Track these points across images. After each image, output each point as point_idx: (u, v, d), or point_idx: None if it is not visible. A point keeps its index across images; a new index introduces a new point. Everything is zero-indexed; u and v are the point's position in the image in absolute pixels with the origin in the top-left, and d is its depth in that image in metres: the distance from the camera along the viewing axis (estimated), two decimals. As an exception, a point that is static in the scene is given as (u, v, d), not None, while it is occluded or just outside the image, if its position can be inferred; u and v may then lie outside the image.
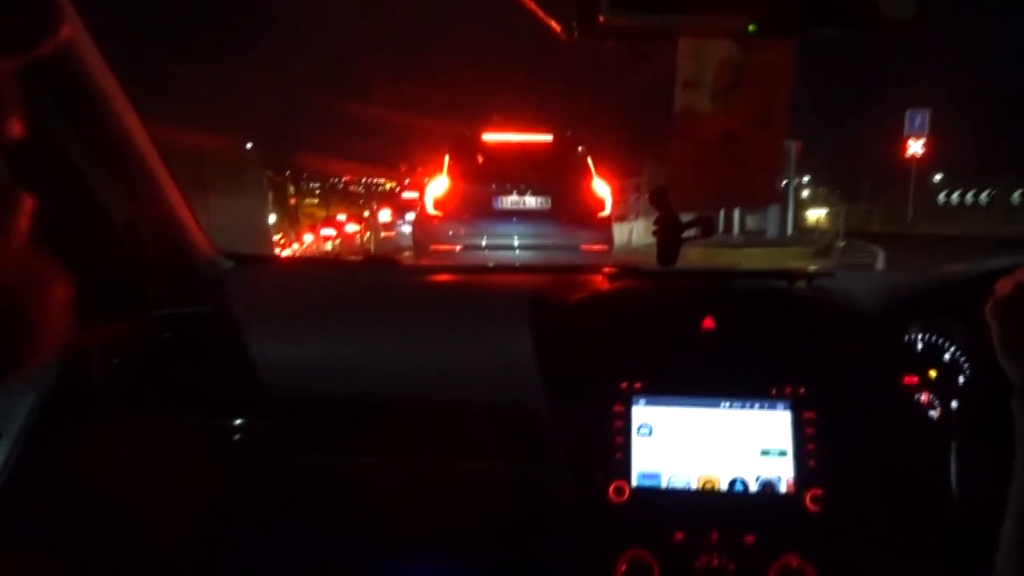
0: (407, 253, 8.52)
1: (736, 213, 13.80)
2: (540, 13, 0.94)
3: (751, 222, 15.11)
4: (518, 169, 7.29)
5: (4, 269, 0.25)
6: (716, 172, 0.96)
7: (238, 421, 1.25)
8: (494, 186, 7.15)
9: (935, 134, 19.22)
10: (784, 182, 14.84)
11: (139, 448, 1.20)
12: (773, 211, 15.39)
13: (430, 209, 7.11)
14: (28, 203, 0.26)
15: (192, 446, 1.27)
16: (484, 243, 6.84)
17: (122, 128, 1.15)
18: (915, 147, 19.65)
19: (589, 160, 7.46)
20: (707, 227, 1.32)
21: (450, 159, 7.35)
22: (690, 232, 1.33)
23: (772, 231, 15.38)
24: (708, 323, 1.20)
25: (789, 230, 16.12)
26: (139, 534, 1.18)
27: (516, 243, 6.92)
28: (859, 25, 0.82)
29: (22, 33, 0.24)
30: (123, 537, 1.16)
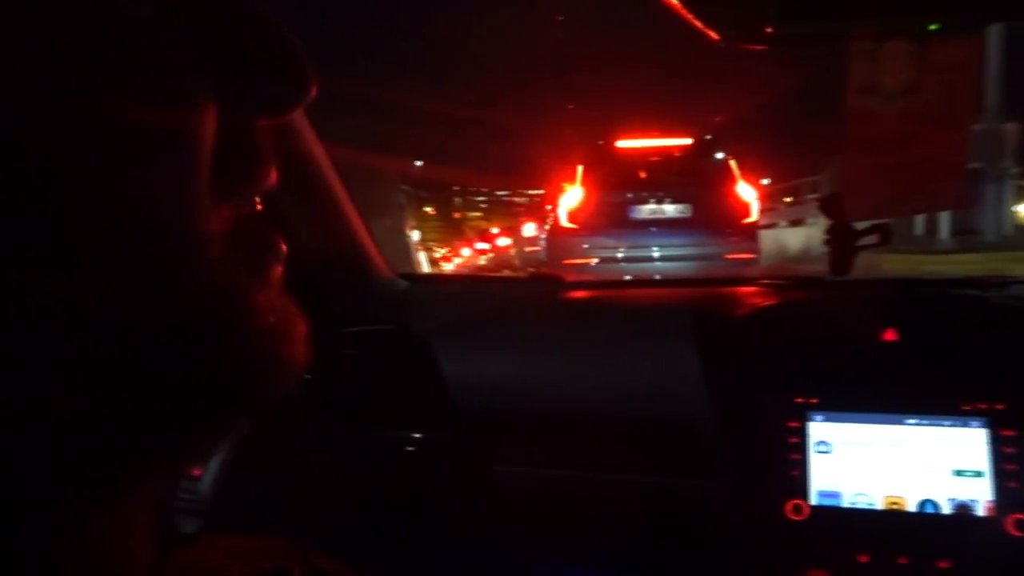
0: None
1: (944, 212, 12.04)
2: (698, 23, 0.94)
3: (959, 221, 12.40)
4: (655, 176, 7.02)
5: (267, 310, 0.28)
6: (894, 178, 0.92)
7: (416, 434, 1.32)
8: (630, 195, 6.89)
9: None
10: (998, 174, 12.82)
11: (328, 456, 1.29)
12: (990, 206, 12.64)
13: (564, 221, 6.91)
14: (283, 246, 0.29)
15: (372, 455, 1.36)
16: (621, 255, 6.59)
17: (309, 154, 1.24)
18: None
19: (732, 163, 7.05)
20: (885, 234, 1.25)
21: (584, 169, 7.11)
22: (867, 240, 1.28)
23: (990, 232, 12.70)
24: (889, 335, 1.14)
25: (1006, 228, 13.08)
26: (323, 536, 1.28)
27: (655, 254, 6.63)
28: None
29: (283, 98, 0.27)
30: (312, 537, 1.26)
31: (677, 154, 7.28)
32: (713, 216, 6.64)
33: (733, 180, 6.90)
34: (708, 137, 7.49)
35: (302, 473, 1.25)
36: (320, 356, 1.17)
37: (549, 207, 7.57)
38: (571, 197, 6.97)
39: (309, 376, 1.26)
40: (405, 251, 8.87)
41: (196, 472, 1.15)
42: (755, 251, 6.74)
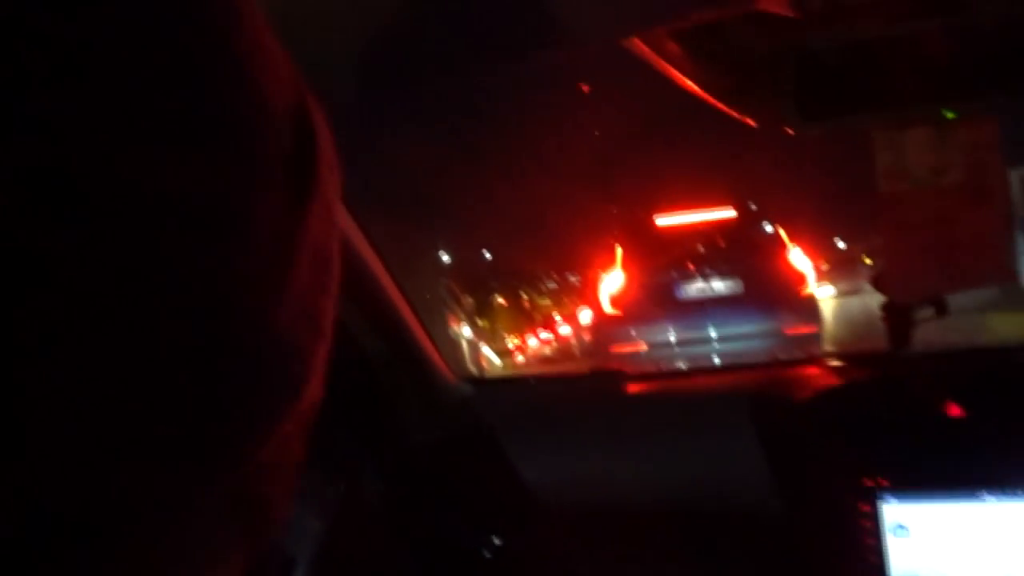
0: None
1: None
2: (735, 114, 1.00)
3: None
4: (700, 252, 6.56)
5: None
6: (933, 257, 0.95)
7: (494, 538, 1.34)
8: (675, 274, 6.43)
9: None
10: None
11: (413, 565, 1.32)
12: None
13: (606, 307, 6.47)
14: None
15: (451, 561, 1.38)
16: (673, 339, 6.16)
17: (360, 256, 1.25)
18: None
19: (781, 231, 6.65)
20: (940, 307, 1.26)
21: (623, 249, 6.67)
22: (923, 314, 1.28)
23: None
24: (954, 410, 1.13)
25: None
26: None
27: (709, 335, 6.13)
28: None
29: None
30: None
31: (721, 227, 6.87)
32: (766, 289, 6.19)
33: (784, 249, 6.46)
34: (753, 207, 7.08)
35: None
36: (395, 468, 1.22)
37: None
38: (612, 281, 6.56)
39: (382, 486, 1.30)
40: (456, 350, 8.51)
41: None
42: (816, 324, 6.26)
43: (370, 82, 0.98)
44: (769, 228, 6.71)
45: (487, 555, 1.34)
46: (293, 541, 1.22)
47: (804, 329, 5.99)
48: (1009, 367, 1.25)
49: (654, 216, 7.04)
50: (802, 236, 7.05)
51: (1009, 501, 1.06)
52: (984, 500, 1.07)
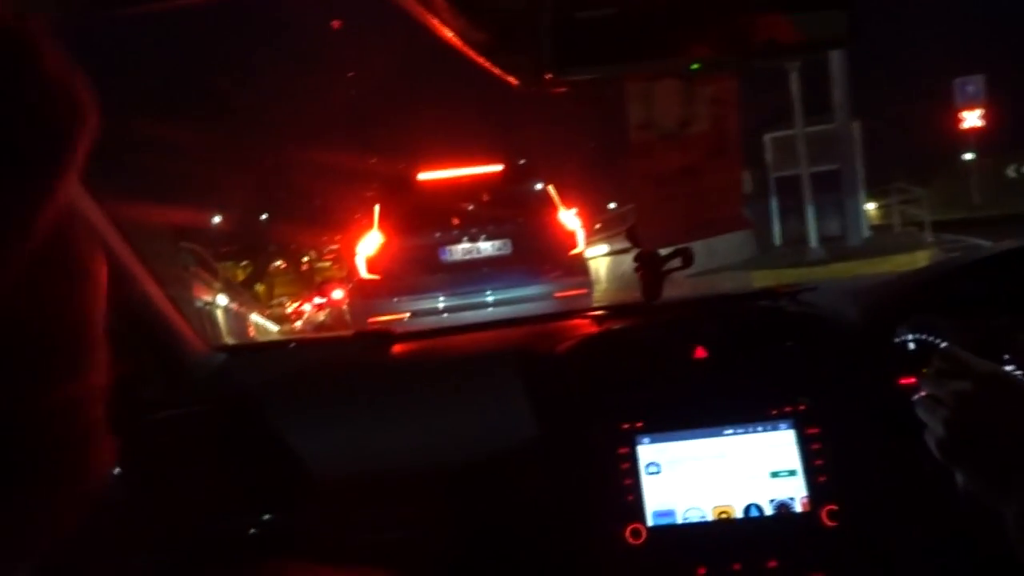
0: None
1: (810, 219, 11.14)
2: (495, 70, 0.97)
3: (822, 227, 11.70)
4: (466, 210, 6.05)
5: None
6: (680, 205, 0.99)
7: (263, 513, 1.24)
8: (438, 234, 5.93)
9: (992, 102, 16.78)
10: (852, 175, 12.18)
11: (150, 555, 1.19)
12: (851, 212, 12.28)
13: (363, 272, 5.86)
14: None
15: (205, 545, 1.26)
16: (440, 306, 5.64)
17: (90, 223, 1.15)
18: (972, 119, 17.00)
19: (552, 190, 6.26)
20: (686, 257, 1.34)
21: (381, 209, 6.05)
22: (671, 264, 1.35)
23: (854, 236, 12.20)
24: (700, 352, 1.21)
25: (864, 231, 12.79)
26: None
27: (477, 300, 5.71)
28: (796, 52, 0.85)
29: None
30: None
31: (488, 183, 6.35)
32: (536, 250, 5.87)
33: (554, 208, 6.12)
34: (522, 162, 6.61)
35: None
36: (127, 447, 1.07)
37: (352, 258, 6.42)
38: (370, 243, 5.93)
39: (116, 470, 1.15)
40: (208, 320, 7.79)
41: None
42: (586, 285, 6.09)
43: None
44: (539, 186, 6.34)
45: (253, 532, 1.24)
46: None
47: (575, 291, 5.77)
48: (741, 313, 1.35)
49: (416, 172, 6.48)
50: (574, 197, 6.71)
51: (744, 433, 1.15)
52: (723, 434, 1.16)
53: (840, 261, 10.11)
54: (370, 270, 5.82)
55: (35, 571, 0.36)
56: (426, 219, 5.95)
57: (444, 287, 5.72)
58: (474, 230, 5.92)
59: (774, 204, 13.65)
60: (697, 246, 1.31)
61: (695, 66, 0.89)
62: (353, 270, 6.14)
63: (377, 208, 6.04)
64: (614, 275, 9.95)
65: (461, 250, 5.92)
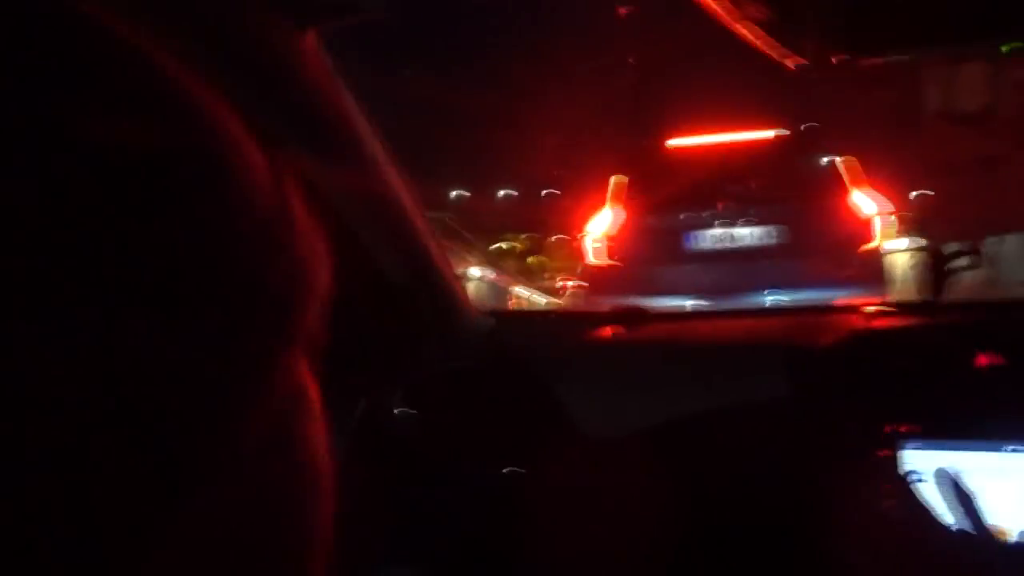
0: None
1: None
2: (774, 54, 0.96)
3: None
4: (721, 186, 4.83)
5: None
6: (978, 199, 0.91)
7: (506, 469, 1.35)
8: (683, 216, 4.74)
9: None
10: None
11: (426, 492, 1.33)
12: None
13: (591, 258, 4.93)
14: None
15: (463, 487, 1.39)
16: (688, 307, 4.17)
17: (390, 185, 1.24)
18: None
19: (841, 163, 4.73)
20: (975, 256, 1.22)
21: (617, 182, 4.99)
22: (957, 263, 1.25)
23: None
24: (983, 360, 1.11)
25: None
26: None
27: (732, 306, 3.89)
28: None
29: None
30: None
31: (757, 153, 4.98)
32: (814, 243, 4.43)
33: (844, 190, 4.62)
34: (805, 126, 5.14)
35: (401, 508, 1.29)
36: (412, 394, 1.23)
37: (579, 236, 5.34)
38: (600, 222, 4.94)
39: (410, 411, 1.31)
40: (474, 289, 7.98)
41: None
42: (879, 291, 4.24)
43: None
44: (826, 160, 4.88)
45: (509, 485, 1.35)
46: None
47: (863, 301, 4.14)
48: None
49: (665, 137, 5.27)
50: (876, 173, 4.87)
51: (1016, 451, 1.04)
52: (1003, 450, 1.06)
53: None
54: (597, 256, 4.92)
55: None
56: (672, 196, 4.83)
57: (688, 281, 4.53)
58: (734, 212, 4.72)
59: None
60: (1014, 250, 1.19)
61: (1006, 48, 0.83)
62: (579, 253, 5.21)
63: (613, 181, 5.04)
64: (907, 275, 7.93)
65: (713, 237, 4.74)
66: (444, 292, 1.46)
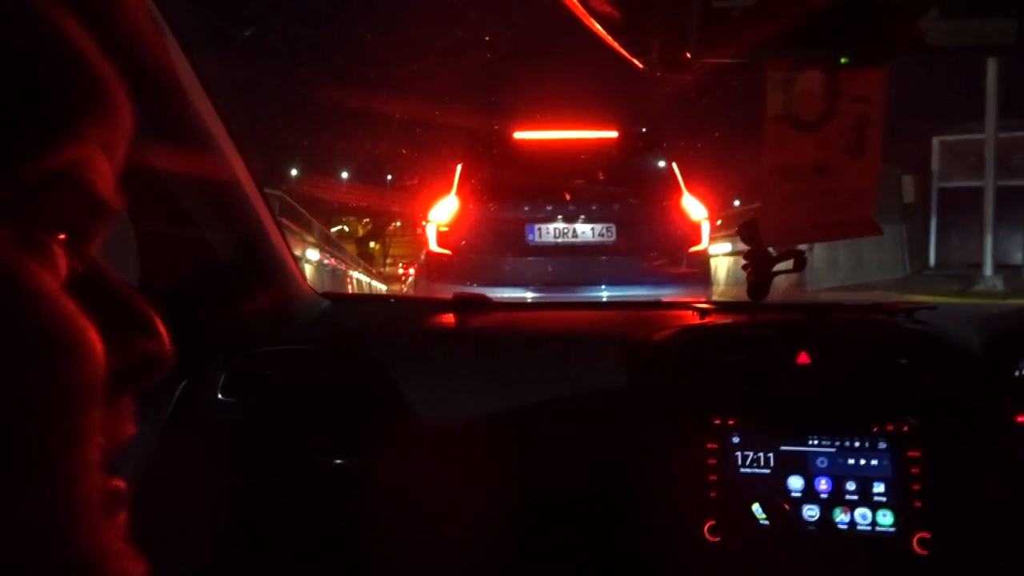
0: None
1: (988, 242, 9.12)
2: (622, 51, 0.96)
3: (1000, 252, 9.54)
4: (565, 182, 4.88)
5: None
6: (808, 205, 0.95)
7: (338, 460, 1.28)
8: (527, 208, 4.73)
9: None
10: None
11: (238, 481, 1.24)
12: None
13: (433, 245, 4.82)
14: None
15: (292, 479, 1.32)
16: (528, 298, 4.30)
17: (228, 169, 1.19)
18: None
19: (675, 167, 4.96)
20: (799, 260, 1.29)
21: (463, 170, 4.93)
22: (782, 266, 1.31)
23: None
24: (803, 358, 1.17)
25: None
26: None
27: (568, 299, 4.18)
28: (955, 52, 0.81)
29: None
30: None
31: (597, 152, 5.11)
32: (647, 242, 4.66)
33: (677, 191, 4.81)
34: (643, 130, 5.33)
35: (210, 497, 1.20)
36: (238, 375, 1.13)
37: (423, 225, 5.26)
38: (444, 210, 4.85)
39: (225, 397, 1.21)
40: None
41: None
42: (705, 291, 4.91)
43: None
44: (661, 163, 5.06)
45: (341, 471, 1.28)
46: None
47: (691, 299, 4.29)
48: (851, 323, 1.30)
49: (511, 129, 5.25)
50: (697, 186, 5.22)
51: (837, 446, 1.11)
52: (813, 443, 1.12)
53: (1018, 297, 8.22)
54: (440, 243, 4.82)
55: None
56: (515, 189, 4.86)
57: (526, 274, 4.64)
58: (572, 208, 4.75)
59: (933, 220, 11.53)
60: (843, 257, 1.27)
61: (844, 59, 0.86)
62: (422, 240, 5.12)
63: (459, 169, 4.97)
64: (734, 278, 8.75)
65: (553, 231, 4.76)
66: (276, 271, 1.38)
